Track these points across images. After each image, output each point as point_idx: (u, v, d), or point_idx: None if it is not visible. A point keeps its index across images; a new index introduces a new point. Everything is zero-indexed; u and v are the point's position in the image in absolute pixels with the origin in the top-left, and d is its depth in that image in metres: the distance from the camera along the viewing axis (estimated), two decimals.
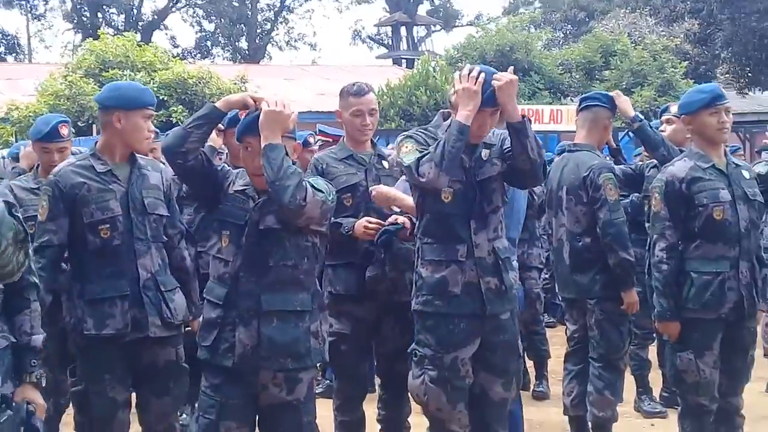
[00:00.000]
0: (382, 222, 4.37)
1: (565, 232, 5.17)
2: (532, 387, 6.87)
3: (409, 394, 4.22)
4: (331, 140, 6.54)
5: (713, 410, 4.52)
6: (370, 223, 4.36)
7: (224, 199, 3.71)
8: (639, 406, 6.34)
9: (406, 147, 3.95)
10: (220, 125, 4.78)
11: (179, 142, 3.63)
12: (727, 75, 28.27)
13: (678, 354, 4.52)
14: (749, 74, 27.76)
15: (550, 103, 21.24)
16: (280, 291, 3.61)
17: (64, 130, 5.01)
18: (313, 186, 3.57)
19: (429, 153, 3.84)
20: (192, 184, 3.85)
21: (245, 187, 3.71)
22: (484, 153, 4.02)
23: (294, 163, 3.58)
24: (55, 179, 4.03)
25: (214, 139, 5.17)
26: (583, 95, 5.44)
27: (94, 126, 17.77)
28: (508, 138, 3.96)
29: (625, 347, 5.19)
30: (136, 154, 4.17)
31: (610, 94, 5.31)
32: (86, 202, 3.98)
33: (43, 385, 3.41)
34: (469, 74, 3.89)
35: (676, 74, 22.03)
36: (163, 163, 4.17)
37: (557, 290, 5.60)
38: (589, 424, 5.26)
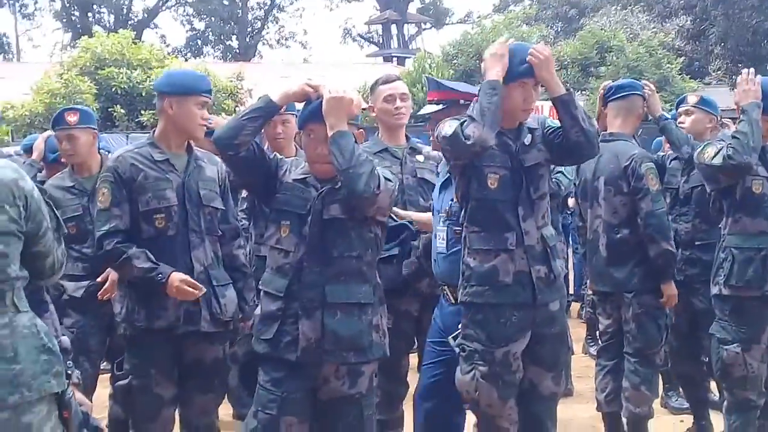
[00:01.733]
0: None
1: (602, 224, 5.03)
2: None
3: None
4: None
5: (760, 405, 4.48)
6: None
7: (281, 188, 3.62)
8: (666, 403, 6.25)
9: (447, 124, 3.87)
10: None
11: (233, 134, 3.54)
12: (718, 71, 28.26)
13: (725, 347, 4.46)
14: (742, 70, 27.79)
15: (548, 99, 21.20)
16: (344, 282, 3.52)
17: (71, 117, 4.95)
18: (383, 175, 3.48)
19: (467, 118, 3.77)
20: (244, 175, 3.73)
21: (305, 176, 3.62)
22: (528, 138, 3.95)
23: None
24: (114, 165, 3.97)
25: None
26: (616, 84, 5.30)
27: None
28: (548, 120, 3.96)
29: (663, 342, 5.09)
30: (193, 146, 4.11)
31: (645, 86, 5.20)
32: (143, 189, 3.90)
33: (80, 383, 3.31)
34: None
35: (672, 70, 21.96)
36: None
37: (589, 283, 5.48)
38: (624, 420, 5.17)
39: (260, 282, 3.69)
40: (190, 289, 3.77)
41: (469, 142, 3.71)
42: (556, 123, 3.98)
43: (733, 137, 4.37)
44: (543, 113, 18.20)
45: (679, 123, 5.62)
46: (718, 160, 4.37)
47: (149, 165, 3.95)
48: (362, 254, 3.56)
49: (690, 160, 5.12)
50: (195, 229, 3.95)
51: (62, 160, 5.20)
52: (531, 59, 3.81)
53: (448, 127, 3.83)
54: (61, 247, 2.80)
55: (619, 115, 5.10)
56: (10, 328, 2.50)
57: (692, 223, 5.38)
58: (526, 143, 3.95)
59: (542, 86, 3.92)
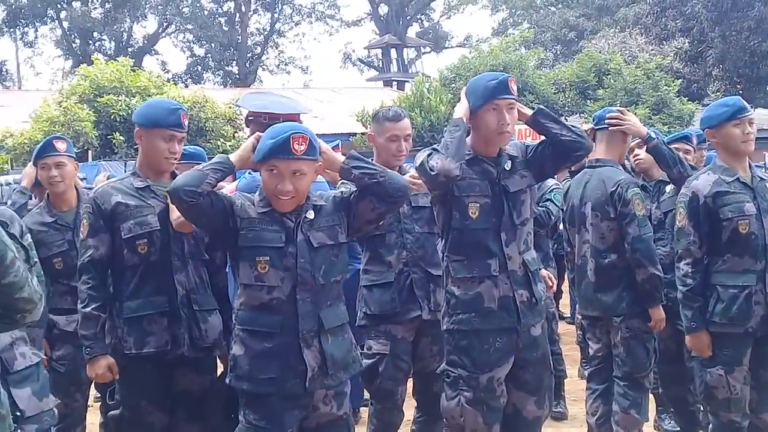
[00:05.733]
0: None
1: (590, 249, 5.07)
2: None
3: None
4: None
5: (745, 427, 4.48)
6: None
7: (243, 225, 3.51)
8: (659, 425, 6.27)
9: (418, 155, 3.98)
10: None
11: (196, 182, 3.42)
12: (718, 93, 28.34)
13: (707, 370, 4.48)
14: (740, 92, 27.81)
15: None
16: (330, 307, 3.55)
17: (60, 145, 5.00)
18: None
19: (432, 150, 3.92)
20: (204, 221, 3.58)
21: (267, 209, 3.54)
22: (508, 164, 4.02)
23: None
24: (94, 196, 4.01)
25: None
26: (597, 114, 5.33)
27: (89, 152, 17.69)
28: (528, 140, 4.03)
29: (651, 365, 5.12)
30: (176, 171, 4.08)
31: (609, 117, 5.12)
32: (124, 217, 3.94)
33: None
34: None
35: (669, 92, 22.05)
36: None
37: (578, 308, 5.50)
38: None
39: (239, 321, 3.57)
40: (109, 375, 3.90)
41: (433, 173, 3.83)
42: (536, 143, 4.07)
43: None
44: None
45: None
46: None
47: (130, 193, 3.98)
48: (342, 278, 3.63)
49: (681, 180, 5.17)
50: (177, 252, 3.96)
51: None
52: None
53: (417, 158, 3.94)
54: (35, 279, 2.62)
55: (603, 141, 5.14)
56: None
57: (670, 246, 5.40)
58: (507, 169, 4.01)
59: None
